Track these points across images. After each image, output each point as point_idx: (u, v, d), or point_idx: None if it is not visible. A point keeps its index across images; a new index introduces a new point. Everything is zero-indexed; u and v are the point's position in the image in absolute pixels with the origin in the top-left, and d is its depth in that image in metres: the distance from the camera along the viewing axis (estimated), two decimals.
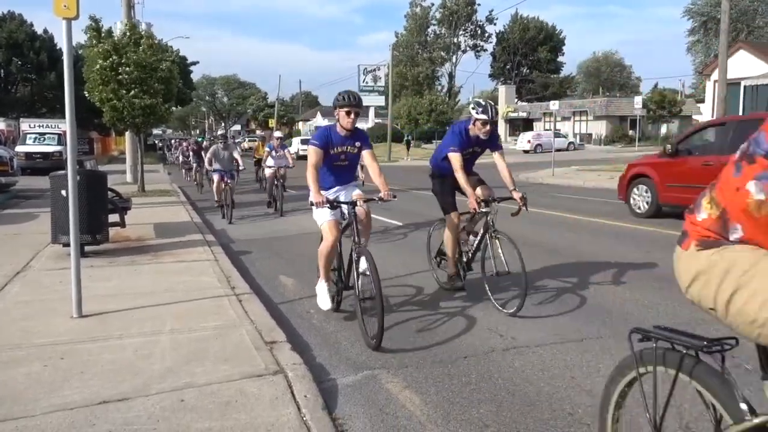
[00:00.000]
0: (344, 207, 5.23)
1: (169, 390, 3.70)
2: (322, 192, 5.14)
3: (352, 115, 5.26)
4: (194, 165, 21.27)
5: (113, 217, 8.60)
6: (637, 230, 10.36)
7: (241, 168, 13.07)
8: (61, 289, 6.02)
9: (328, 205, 4.98)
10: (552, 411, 3.65)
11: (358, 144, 5.44)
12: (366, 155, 5.49)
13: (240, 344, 4.54)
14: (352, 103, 5.27)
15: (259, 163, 20.64)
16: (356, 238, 5.05)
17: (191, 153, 22.22)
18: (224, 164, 12.82)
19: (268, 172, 14.25)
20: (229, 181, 12.50)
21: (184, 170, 26.79)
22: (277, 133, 14.74)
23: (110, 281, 6.60)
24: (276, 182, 13.66)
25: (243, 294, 6.04)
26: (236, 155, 13.02)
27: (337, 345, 4.90)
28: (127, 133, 20.37)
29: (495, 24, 68.78)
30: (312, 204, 5.01)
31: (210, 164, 12.89)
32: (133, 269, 7.23)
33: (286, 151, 14.24)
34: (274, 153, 14.07)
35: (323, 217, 5.20)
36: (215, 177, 12.98)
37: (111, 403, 3.52)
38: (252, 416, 3.38)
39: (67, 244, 6.45)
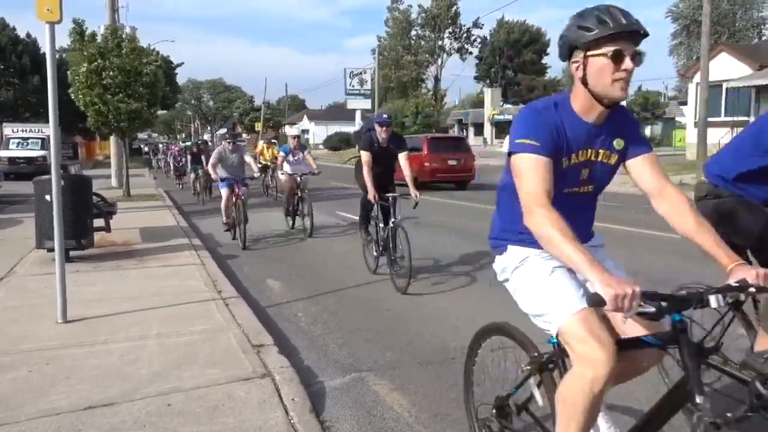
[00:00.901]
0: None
1: (156, 394, 3.69)
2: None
3: (627, 64, 2.13)
4: (192, 171, 18.66)
5: (98, 222, 8.53)
6: (628, 232, 10.46)
7: (255, 175, 10.38)
8: (47, 294, 5.96)
9: (638, 306, 1.81)
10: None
11: (620, 143, 2.37)
12: (648, 168, 2.37)
13: (227, 348, 4.54)
14: (626, 24, 2.11)
15: (265, 169, 18.32)
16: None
17: (189, 157, 19.27)
18: (233, 171, 10.26)
19: (283, 180, 11.42)
20: (241, 194, 9.80)
21: (175, 176, 24.36)
22: (293, 131, 12.07)
23: (96, 286, 6.55)
24: (297, 193, 11.01)
25: (230, 298, 6.02)
26: (248, 159, 10.71)
27: (325, 348, 4.91)
28: (112, 138, 20.24)
29: (481, 28, 68.87)
30: (593, 301, 1.81)
31: (214, 170, 10.11)
32: (118, 274, 7.19)
33: (306, 153, 11.36)
34: (291, 157, 11.23)
35: (570, 302, 2.20)
36: (223, 192, 10.19)
37: (97, 408, 3.50)
38: (240, 420, 3.37)
39: (52, 249, 6.41)
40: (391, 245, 6.81)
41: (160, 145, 42.83)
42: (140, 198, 16.78)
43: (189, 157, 19.41)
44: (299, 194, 10.90)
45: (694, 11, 49.83)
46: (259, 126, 66.97)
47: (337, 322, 5.57)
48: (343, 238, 10.45)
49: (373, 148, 7.24)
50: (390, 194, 6.99)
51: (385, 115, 7.35)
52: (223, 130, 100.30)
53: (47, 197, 7.11)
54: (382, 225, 7.23)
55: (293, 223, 11.26)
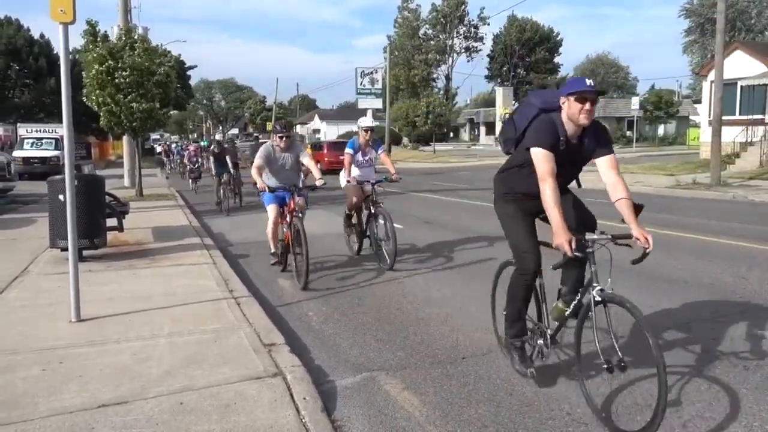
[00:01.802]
0: None
1: (168, 393, 3.71)
2: None
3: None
4: (216, 175, 15.69)
5: (111, 222, 8.59)
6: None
7: (319, 183, 7.22)
8: (60, 293, 6.02)
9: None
10: (550, 411, 3.65)
11: None
12: None
13: (238, 347, 4.55)
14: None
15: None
16: None
17: (212, 158, 16.25)
18: (285, 177, 7.47)
19: (346, 188, 8.20)
20: (297, 209, 7.14)
21: (190, 180, 21.85)
22: (366, 121, 8.41)
23: (108, 285, 6.59)
24: (370, 209, 7.95)
25: (241, 297, 6.04)
26: (307, 160, 7.62)
27: (336, 347, 4.91)
28: (125, 138, 20.37)
29: (488, 24, 68.61)
30: None
31: (259, 176, 7.17)
32: (131, 273, 7.23)
33: (381, 152, 8.36)
34: (360, 156, 8.23)
35: None
36: (270, 210, 7.43)
37: (110, 407, 3.52)
38: (251, 418, 3.38)
39: (65, 249, 6.46)
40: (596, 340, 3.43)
41: (173, 146, 41.74)
42: (153, 198, 16.88)
43: (211, 158, 16.27)
44: (371, 210, 7.91)
45: (708, 9, 49.43)
46: (270, 126, 67.16)
47: (347, 322, 5.57)
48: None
49: (558, 145, 3.68)
50: (593, 236, 3.55)
51: (589, 81, 3.63)
52: (235, 130, 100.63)
53: (61, 197, 7.16)
54: (563, 290, 4.14)
55: (359, 248, 8.47)
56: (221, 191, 15.10)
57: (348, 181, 7.99)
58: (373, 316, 5.70)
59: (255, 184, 7.20)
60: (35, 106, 46.26)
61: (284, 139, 7.38)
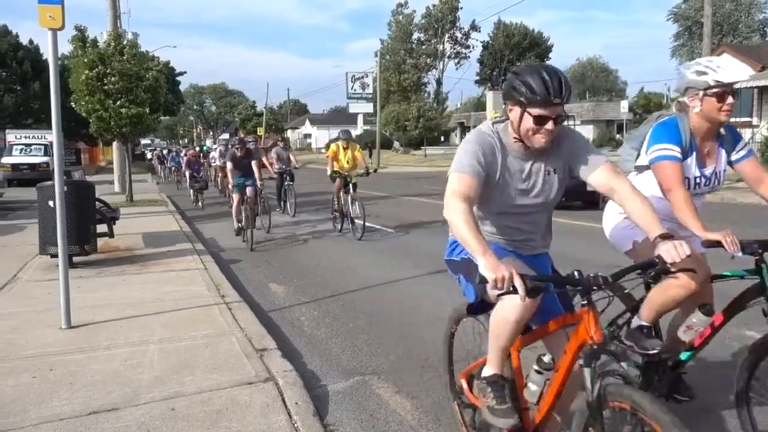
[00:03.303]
0: None
1: (159, 399, 3.69)
2: None
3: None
4: (236, 191, 10.80)
5: (101, 228, 8.55)
6: None
7: (673, 256, 2.22)
8: (50, 300, 5.98)
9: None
10: None
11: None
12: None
13: (230, 352, 4.54)
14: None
15: (344, 183, 11.10)
16: None
17: (230, 164, 10.77)
18: (532, 221, 2.74)
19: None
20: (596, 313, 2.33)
21: (192, 191, 18.19)
22: (729, 72, 3.13)
23: (99, 292, 6.56)
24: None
25: (233, 302, 6.03)
26: (604, 174, 2.53)
27: (328, 351, 4.91)
28: (115, 143, 20.29)
29: (479, 31, 69.05)
30: None
31: (472, 219, 2.31)
32: (121, 279, 7.20)
33: (745, 157, 3.32)
34: (695, 169, 3.18)
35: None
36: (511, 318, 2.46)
37: (101, 414, 3.51)
38: (243, 424, 3.37)
39: (55, 255, 6.43)
40: None
41: (165, 151, 40.68)
42: (143, 203, 16.80)
43: (229, 164, 10.79)
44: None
45: (696, 12, 49.82)
46: (261, 131, 67.05)
47: (339, 326, 5.57)
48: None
49: None
50: None
51: None
52: (226, 135, 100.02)
53: (50, 203, 7.13)
54: None
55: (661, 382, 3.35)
56: (243, 212, 10.49)
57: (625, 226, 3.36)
58: (365, 320, 5.71)
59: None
60: (23, 112, 45.97)
61: (544, 132, 2.45)
